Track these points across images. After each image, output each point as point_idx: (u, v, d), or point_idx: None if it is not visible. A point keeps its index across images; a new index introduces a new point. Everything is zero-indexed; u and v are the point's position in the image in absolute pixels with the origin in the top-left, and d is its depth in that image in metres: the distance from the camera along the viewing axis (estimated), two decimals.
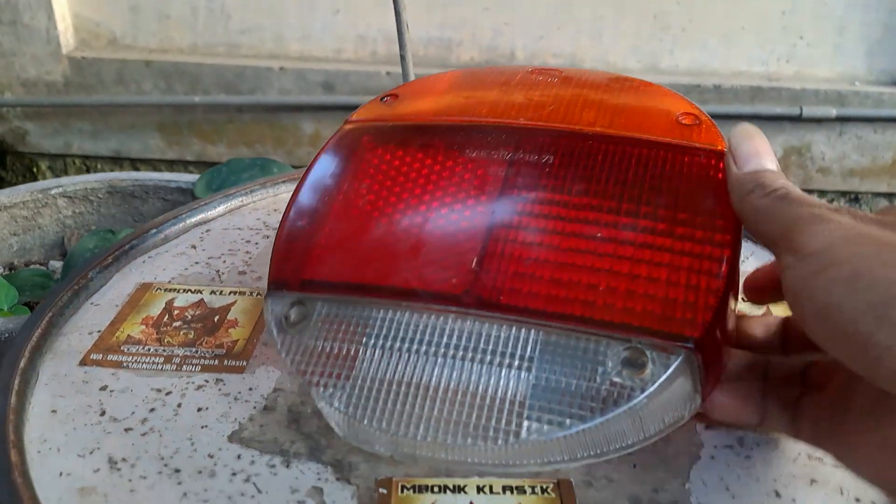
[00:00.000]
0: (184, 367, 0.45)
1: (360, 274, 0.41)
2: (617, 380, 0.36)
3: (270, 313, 0.41)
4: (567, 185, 0.42)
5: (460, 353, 0.38)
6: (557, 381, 0.37)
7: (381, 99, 0.50)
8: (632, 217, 0.40)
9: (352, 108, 0.52)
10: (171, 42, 1.64)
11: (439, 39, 1.53)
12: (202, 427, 0.41)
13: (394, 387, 0.38)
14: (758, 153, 0.38)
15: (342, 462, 0.39)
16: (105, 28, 1.64)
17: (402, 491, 0.37)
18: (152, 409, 0.42)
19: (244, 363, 0.46)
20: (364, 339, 0.39)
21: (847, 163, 1.58)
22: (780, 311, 0.50)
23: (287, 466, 0.38)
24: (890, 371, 0.27)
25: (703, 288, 0.37)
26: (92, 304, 0.51)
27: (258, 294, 0.52)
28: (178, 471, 0.38)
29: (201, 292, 0.52)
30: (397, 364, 0.38)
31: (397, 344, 0.39)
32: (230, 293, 0.52)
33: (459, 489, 0.37)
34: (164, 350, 0.46)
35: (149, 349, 0.46)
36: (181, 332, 0.48)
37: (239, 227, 0.61)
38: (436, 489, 0.37)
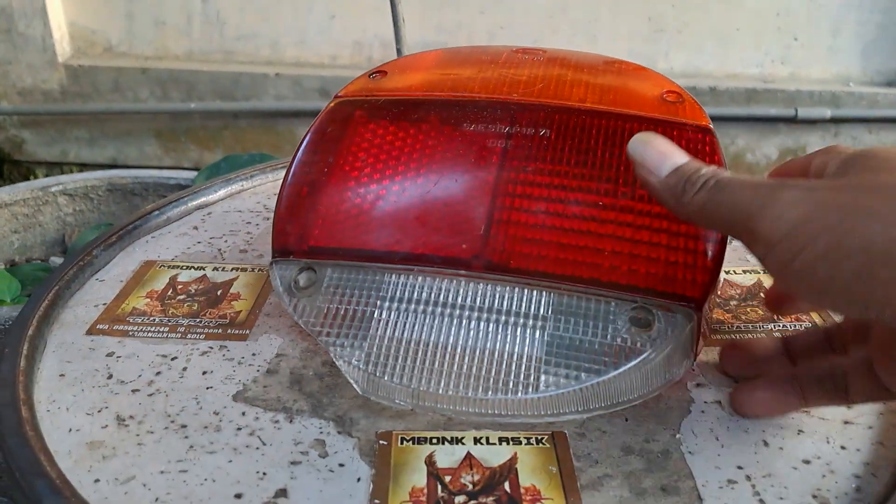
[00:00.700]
0: (188, 335, 0.46)
1: (369, 241, 0.43)
2: (626, 336, 0.40)
3: (278, 279, 0.44)
4: (566, 157, 0.44)
5: (475, 314, 0.41)
6: (571, 338, 0.40)
7: (370, 75, 0.51)
8: (630, 187, 0.42)
9: None
10: (167, 49, 1.66)
11: (435, 43, 1.55)
12: (207, 388, 0.42)
13: (412, 345, 0.41)
14: (663, 153, 0.38)
15: (343, 417, 0.40)
16: (101, 36, 1.65)
17: (402, 443, 0.38)
18: (158, 373, 0.43)
19: (247, 332, 0.47)
20: (378, 302, 0.42)
21: None
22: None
23: (290, 422, 0.39)
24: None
25: (701, 252, 0.41)
26: (97, 280, 0.52)
27: (260, 270, 0.53)
28: (184, 426, 0.39)
29: (204, 269, 0.53)
30: (414, 324, 0.41)
31: (412, 306, 0.42)
32: (232, 269, 0.53)
33: (457, 441, 0.38)
34: (168, 320, 0.47)
35: (154, 319, 0.47)
36: (185, 305, 0.49)
37: (239, 209, 0.62)
38: (434, 441, 0.38)
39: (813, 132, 1.57)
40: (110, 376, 0.42)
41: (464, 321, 0.41)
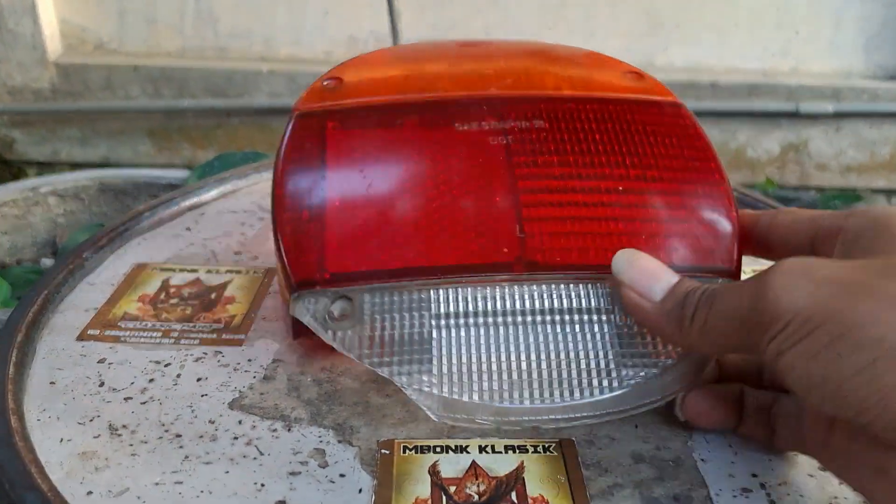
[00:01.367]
0: (182, 340, 0.45)
1: (401, 258, 0.39)
2: None
3: (309, 314, 0.39)
4: (570, 146, 0.43)
5: (537, 317, 0.39)
6: (636, 326, 0.39)
7: (323, 83, 0.47)
8: (638, 168, 0.42)
9: None
10: (159, 46, 1.64)
11: (430, 39, 1.54)
12: (202, 395, 0.40)
13: (483, 359, 0.38)
14: (653, 273, 0.36)
15: (343, 425, 0.39)
16: (92, 33, 1.63)
17: (404, 451, 0.37)
18: (151, 380, 0.41)
19: (243, 336, 0.45)
20: (433, 321, 0.39)
21: (844, 159, 1.58)
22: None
23: (288, 430, 0.38)
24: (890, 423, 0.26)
25: (724, 220, 0.41)
26: (87, 283, 0.51)
27: (255, 272, 0.52)
28: (178, 436, 0.38)
29: (197, 271, 0.52)
30: (478, 338, 0.39)
31: (469, 319, 0.39)
32: (226, 272, 0.52)
33: (461, 449, 0.37)
34: (161, 325, 0.46)
35: (146, 324, 0.46)
36: (178, 309, 0.48)
37: (234, 209, 0.61)
38: (437, 449, 0.37)
39: (814, 127, 1.55)
40: (102, 384, 0.41)
41: (528, 327, 0.39)
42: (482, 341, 0.39)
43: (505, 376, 0.38)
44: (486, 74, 0.48)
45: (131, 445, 0.37)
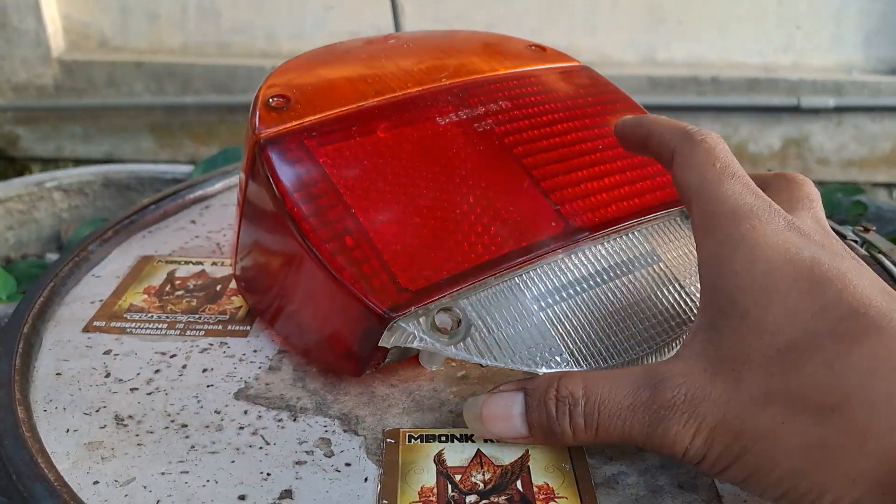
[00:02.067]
0: (188, 332, 0.45)
1: (467, 256, 0.38)
2: None
3: (416, 338, 0.36)
4: (539, 118, 0.46)
5: (614, 273, 0.41)
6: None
7: (270, 102, 0.43)
8: (601, 124, 0.47)
9: None
10: (162, 43, 1.64)
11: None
12: (208, 386, 0.41)
13: (601, 323, 0.39)
14: (500, 416, 0.35)
15: (349, 415, 0.39)
16: (95, 30, 1.64)
17: (410, 441, 0.37)
18: (157, 371, 0.42)
19: (248, 328, 0.45)
20: (534, 307, 0.38)
21: (845, 153, 1.58)
22: None
23: (294, 420, 0.38)
24: None
25: None
26: (93, 276, 0.51)
27: None
28: (185, 426, 0.38)
29: (202, 263, 0.52)
30: (581, 306, 0.39)
31: (563, 292, 0.39)
32: (231, 264, 0.52)
33: (467, 438, 0.37)
34: (167, 317, 0.46)
35: (152, 316, 0.46)
36: (184, 300, 0.48)
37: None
38: (443, 438, 0.37)
39: (816, 121, 1.55)
40: (108, 375, 0.41)
41: (614, 282, 0.40)
42: (587, 308, 0.39)
43: (624, 332, 0.39)
44: (426, 67, 0.48)
45: (137, 436, 0.37)
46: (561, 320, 0.38)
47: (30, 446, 0.35)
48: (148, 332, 0.45)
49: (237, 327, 0.45)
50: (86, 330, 0.45)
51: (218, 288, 0.49)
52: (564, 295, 0.39)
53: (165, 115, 1.64)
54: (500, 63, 0.49)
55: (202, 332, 0.45)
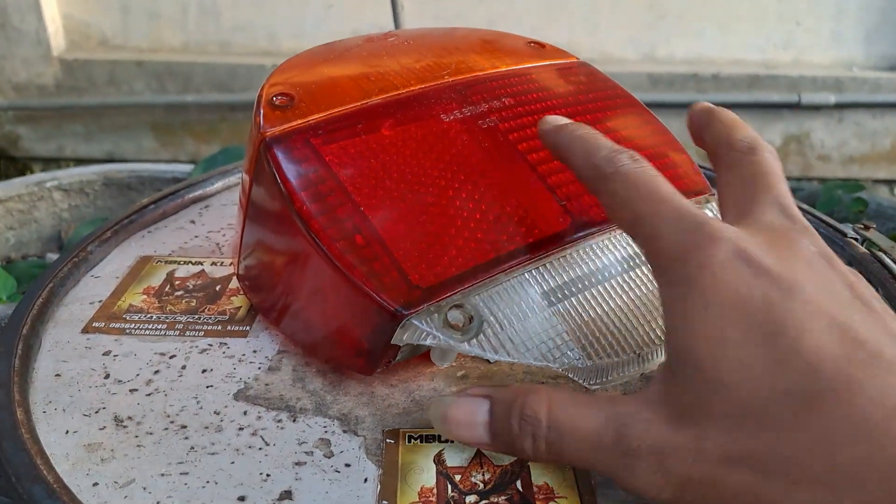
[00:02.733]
0: (187, 332, 0.45)
1: (476, 253, 0.38)
2: None
3: (430, 335, 0.36)
4: (542, 114, 0.44)
5: (626, 264, 0.41)
6: None
7: (272, 102, 0.42)
8: (605, 119, 0.47)
9: None
10: (163, 41, 1.64)
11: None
12: (207, 387, 0.41)
13: (610, 316, 0.39)
14: (469, 421, 0.34)
15: (349, 415, 0.39)
16: (95, 29, 1.63)
17: (409, 441, 0.37)
18: (156, 371, 0.42)
19: (247, 328, 0.45)
20: (545, 301, 0.38)
21: (846, 150, 1.58)
22: None
23: (294, 421, 0.38)
24: None
25: (681, 149, 0.48)
26: (92, 276, 0.51)
27: None
28: (184, 427, 0.38)
29: (202, 264, 0.52)
30: (589, 301, 0.39)
31: (572, 287, 0.39)
32: (231, 264, 0.52)
33: None
34: (166, 317, 0.46)
35: (151, 317, 0.46)
36: (183, 301, 0.48)
37: (238, 202, 0.61)
38: (442, 439, 0.37)
39: (816, 118, 1.55)
40: (107, 376, 0.41)
41: (624, 277, 0.40)
42: (597, 302, 0.39)
43: (633, 326, 0.39)
44: (428, 65, 0.47)
45: (137, 437, 0.37)
46: (571, 315, 0.38)
47: (29, 448, 0.35)
48: (147, 332, 0.45)
49: (237, 328, 0.45)
50: (85, 331, 0.45)
51: (217, 288, 0.49)
52: (574, 290, 0.39)
53: (166, 114, 1.64)
54: (501, 60, 0.49)
55: (201, 333, 0.45)
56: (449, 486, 0.34)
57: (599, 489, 0.34)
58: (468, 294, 0.37)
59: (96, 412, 0.39)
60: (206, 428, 0.38)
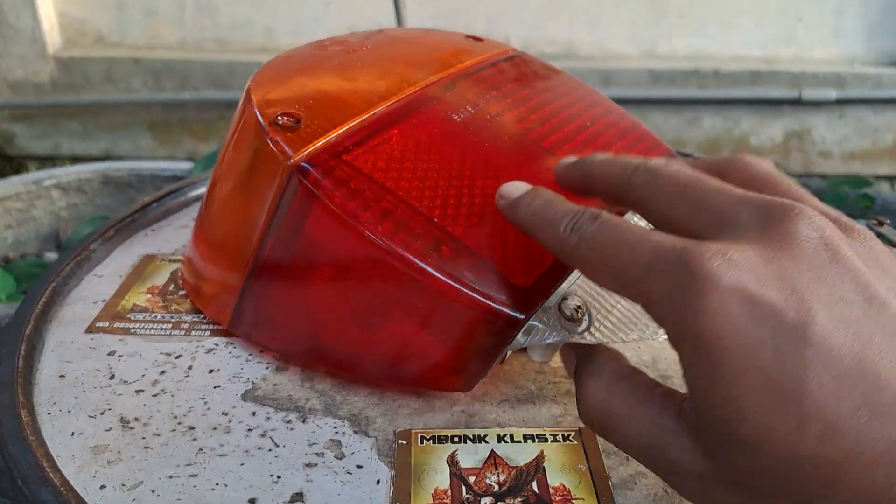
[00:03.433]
0: (193, 332, 0.44)
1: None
2: None
3: (551, 334, 0.35)
4: (531, 103, 0.46)
5: None
6: None
7: (277, 123, 0.39)
8: (581, 100, 0.49)
9: None
10: (159, 39, 1.63)
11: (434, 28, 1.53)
12: (215, 387, 0.40)
13: None
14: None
15: (359, 416, 0.38)
16: (91, 26, 1.62)
17: (422, 442, 0.36)
18: (163, 372, 0.41)
19: None
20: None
21: (848, 146, 1.57)
22: None
23: (303, 422, 0.38)
24: None
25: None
26: (95, 275, 0.50)
27: None
28: (192, 428, 0.37)
29: None
30: None
31: None
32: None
33: (479, 439, 0.36)
34: (171, 317, 0.45)
35: (156, 316, 0.46)
36: (188, 300, 0.47)
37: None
38: (455, 439, 0.36)
39: (818, 114, 1.54)
40: (112, 376, 0.41)
41: None
42: None
43: None
44: (412, 67, 0.46)
45: (144, 438, 0.36)
46: None
47: (34, 450, 0.34)
48: (152, 332, 0.44)
49: None
50: (89, 331, 0.44)
51: None
52: None
53: (164, 112, 1.63)
54: (464, 55, 0.50)
55: (207, 332, 0.44)
56: (463, 488, 0.34)
57: (616, 490, 0.34)
58: (569, 282, 0.36)
59: (102, 413, 0.38)
60: (215, 429, 0.37)
